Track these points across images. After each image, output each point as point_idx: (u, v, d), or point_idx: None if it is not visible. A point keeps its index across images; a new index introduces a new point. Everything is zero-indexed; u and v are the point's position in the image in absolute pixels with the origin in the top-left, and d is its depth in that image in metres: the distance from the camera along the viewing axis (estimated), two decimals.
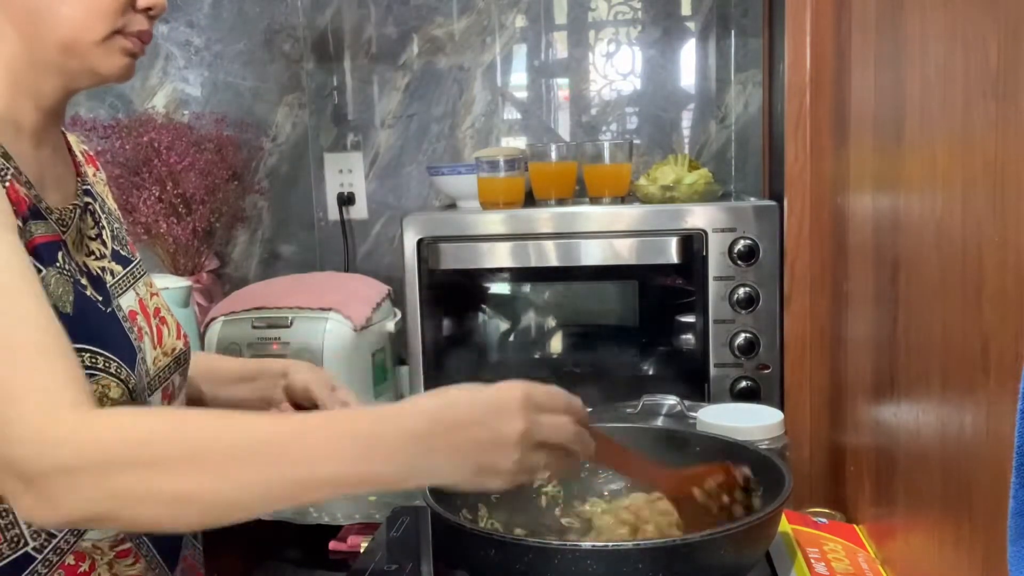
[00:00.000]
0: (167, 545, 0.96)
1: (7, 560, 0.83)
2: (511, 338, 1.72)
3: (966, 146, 0.74)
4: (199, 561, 1.05)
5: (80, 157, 1.02)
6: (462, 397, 0.77)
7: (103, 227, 0.99)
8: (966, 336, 0.74)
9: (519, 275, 1.67)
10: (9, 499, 0.72)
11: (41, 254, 0.84)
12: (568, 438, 0.78)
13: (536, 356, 1.71)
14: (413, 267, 1.62)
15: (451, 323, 1.70)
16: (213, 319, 1.68)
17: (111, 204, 1.05)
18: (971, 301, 0.73)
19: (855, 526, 1.13)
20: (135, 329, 0.94)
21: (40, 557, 0.84)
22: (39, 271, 0.81)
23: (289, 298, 1.67)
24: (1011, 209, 0.65)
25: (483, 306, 1.71)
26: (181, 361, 1.01)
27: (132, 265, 1.00)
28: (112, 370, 0.85)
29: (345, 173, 2.09)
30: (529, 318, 1.72)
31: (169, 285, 1.63)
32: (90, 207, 0.97)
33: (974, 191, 0.72)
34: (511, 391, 0.77)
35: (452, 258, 1.61)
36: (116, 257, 0.98)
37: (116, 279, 0.96)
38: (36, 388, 0.71)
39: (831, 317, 1.32)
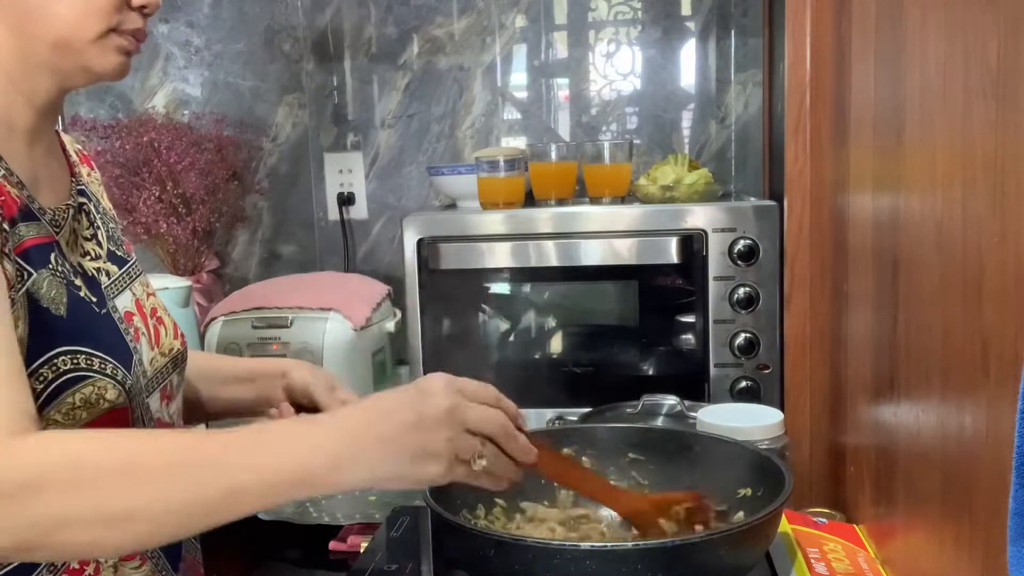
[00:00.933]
0: (171, 547, 0.95)
1: (12, 565, 0.82)
2: (511, 338, 1.72)
3: (966, 146, 0.74)
4: (199, 560, 1.05)
5: (74, 157, 1.01)
6: (389, 392, 0.80)
7: (98, 227, 0.98)
8: (966, 336, 0.74)
9: (519, 275, 1.67)
10: None
11: (32, 256, 0.82)
12: (497, 430, 0.79)
13: (536, 356, 1.71)
14: (413, 267, 1.62)
15: (451, 323, 1.70)
16: (213, 319, 1.68)
17: (106, 204, 1.04)
18: (971, 301, 0.73)
19: (855, 526, 1.13)
20: (131, 330, 0.93)
21: (43, 563, 0.83)
22: (29, 275, 0.81)
23: (289, 298, 1.67)
24: (1011, 209, 0.65)
25: (483, 306, 1.71)
26: (179, 361, 1.01)
27: (128, 265, 1.00)
28: (108, 371, 0.84)
29: (345, 173, 2.09)
30: (529, 318, 1.72)
31: (169, 285, 1.63)
32: (84, 207, 0.96)
33: (974, 191, 0.72)
34: (434, 377, 0.79)
35: (452, 258, 1.61)
36: (112, 257, 0.97)
37: (112, 280, 0.95)
38: None
39: (831, 317, 1.32)
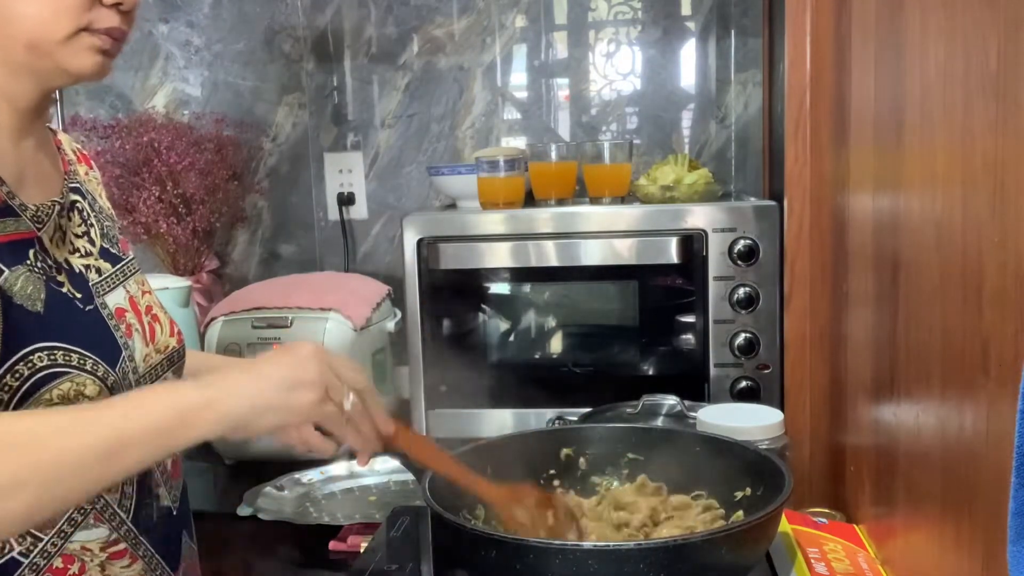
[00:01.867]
0: (168, 545, 0.96)
1: None
2: (511, 338, 1.72)
3: (966, 146, 0.74)
4: (197, 563, 1.05)
5: (71, 156, 1.02)
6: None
7: (91, 225, 0.98)
8: (966, 336, 0.74)
9: (519, 275, 1.67)
10: None
11: (6, 253, 0.83)
12: (364, 386, 0.87)
13: (536, 356, 1.71)
14: (413, 267, 1.62)
15: (451, 323, 1.70)
16: (213, 319, 1.68)
17: (103, 203, 1.05)
18: (971, 301, 0.73)
19: (855, 526, 1.13)
20: (122, 326, 0.93)
21: (27, 561, 0.84)
22: (0, 273, 0.82)
23: (289, 298, 1.67)
24: (1011, 209, 0.65)
25: (483, 306, 1.71)
26: (175, 359, 1.02)
27: (123, 263, 1.00)
28: (88, 367, 0.85)
29: (345, 173, 2.09)
30: (529, 318, 1.72)
31: (169, 285, 1.63)
32: (77, 205, 0.97)
33: (974, 191, 0.72)
34: (299, 342, 0.88)
35: (452, 258, 1.61)
36: (104, 255, 0.98)
37: (103, 277, 0.96)
38: None
39: (831, 317, 1.32)
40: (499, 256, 1.61)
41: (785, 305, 1.43)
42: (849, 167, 1.18)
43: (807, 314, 1.39)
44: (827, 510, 1.19)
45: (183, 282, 1.72)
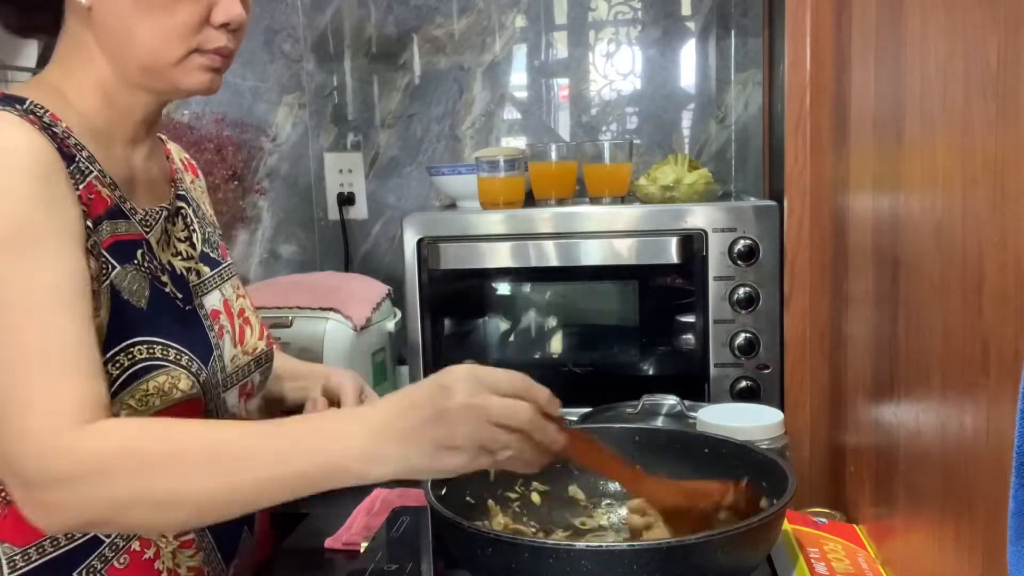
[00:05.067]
0: (228, 539, 1.00)
1: (77, 542, 0.88)
2: (511, 338, 1.72)
3: (966, 146, 0.74)
4: (252, 552, 1.08)
5: (179, 164, 1.09)
6: (414, 387, 0.80)
7: (194, 230, 1.04)
8: (966, 336, 0.74)
9: (519, 275, 1.67)
10: (18, 505, 0.77)
11: (118, 252, 0.88)
12: (523, 424, 0.78)
13: (536, 356, 1.71)
14: (413, 267, 1.62)
15: (451, 323, 1.70)
16: None
17: (206, 210, 1.12)
18: (971, 301, 0.73)
19: (855, 526, 1.13)
20: (216, 327, 0.98)
21: (108, 540, 0.89)
22: (113, 268, 0.86)
23: (289, 298, 1.67)
24: (1011, 209, 0.65)
25: (483, 306, 1.71)
26: (262, 361, 1.06)
27: (221, 267, 1.06)
28: (183, 363, 0.89)
29: (345, 173, 2.09)
30: (529, 318, 1.72)
31: None
32: (182, 211, 1.03)
33: (974, 191, 0.72)
34: (456, 369, 0.79)
35: (452, 258, 1.61)
36: (204, 259, 1.03)
37: (202, 279, 1.01)
38: (46, 404, 0.75)
39: (831, 317, 1.32)
40: (499, 256, 1.61)
41: (785, 305, 1.43)
42: (849, 167, 1.18)
43: (807, 314, 1.39)
44: (827, 510, 1.19)
45: None
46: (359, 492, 1.40)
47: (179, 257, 0.99)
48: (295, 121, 2.10)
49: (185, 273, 0.99)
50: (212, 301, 1.01)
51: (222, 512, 0.79)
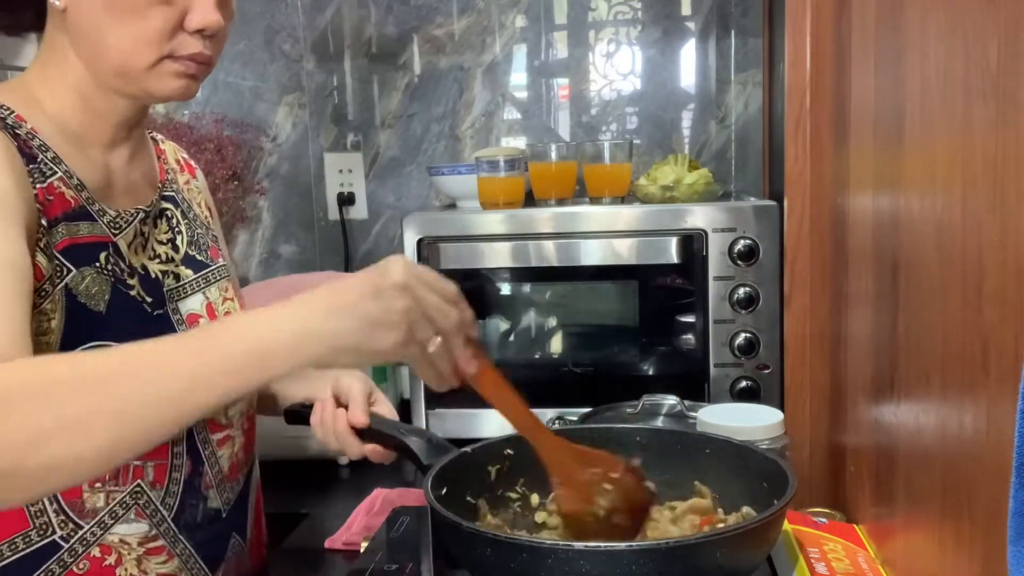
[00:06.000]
0: (211, 545, 0.98)
1: (35, 547, 0.86)
2: (511, 338, 1.72)
3: (966, 146, 0.74)
4: (244, 557, 1.06)
5: (173, 165, 1.08)
6: (349, 275, 0.78)
7: (179, 232, 1.02)
8: (966, 336, 0.74)
9: (519, 275, 1.67)
10: None
11: (75, 254, 0.86)
12: (451, 326, 0.77)
13: (536, 356, 1.71)
14: None
15: None
16: None
17: (200, 211, 1.10)
18: (971, 301, 0.73)
19: (855, 526, 1.13)
20: None
21: (66, 546, 0.87)
22: (68, 271, 0.85)
23: (289, 298, 1.67)
24: (1011, 209, 0.65)
25: (483, 306, 1.71)
26: None
27: (207, 270, 1.04)
28: None
29: (345, 173, 2.09)
30: (529, 318, 1.72)
31: None
32: (167, 212, 1.01)
33: (974, 191, 0.72)
34: (394, 258, 0.78)
35: (452, 258, 1.61)
36: (188, 261, 1.02)
37: (181, 283, 0.99)
38: None
39: (831, 317, 1.32)
40: (499, 256, 1.61)
41: (785, 305, 1.43)
42: (849, 167, 1.18)
43: (807, 314, 1.39)
44: (827, 510, 1.19)
45: None
46: (359, 492, 1.40)
47: (156, 260, 0.98)
48: (295, 121, 2.10)
49: (160, 276, 0.97)
50: (192, 305, 0.99)
51: (150, 424, 0.70)
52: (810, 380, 1.39)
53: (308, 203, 2.13)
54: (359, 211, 2.10)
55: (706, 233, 1.54)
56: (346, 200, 2.08)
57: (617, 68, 1.99)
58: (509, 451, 1.04)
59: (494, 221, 1.62)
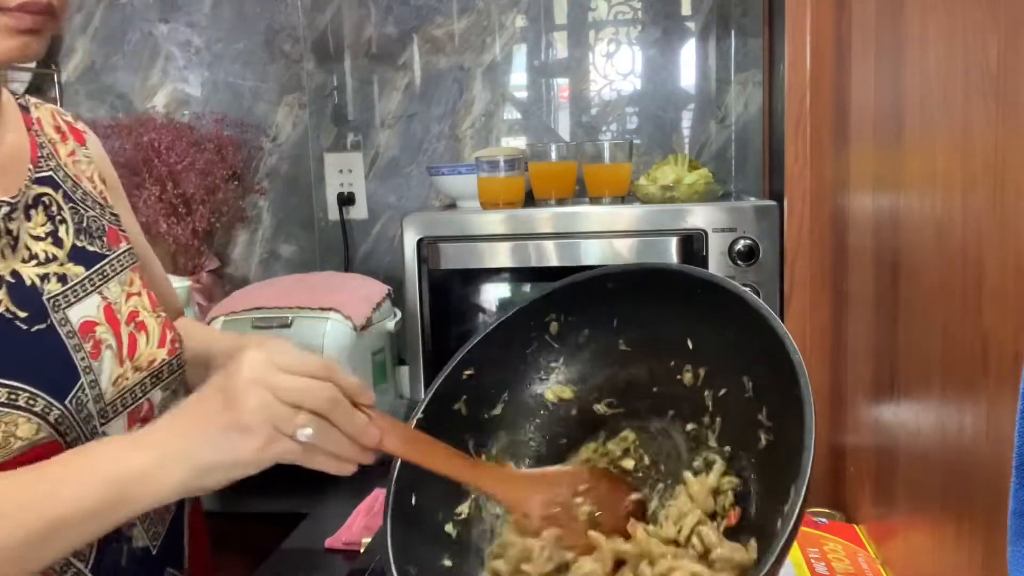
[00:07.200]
0: (107, 554, 0.84)
1: None
2: None
3: (966, 146, 0.74)
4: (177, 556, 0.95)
5: (50, 135, 0.90)
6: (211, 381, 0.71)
7: (62, 220, 0.85)
8: (966, 336, 0.74)
9: (519, 275, 1.67)
10: None
11: None
12: (321, 403, 0.67)
13: None
14: (413, 267, 1.62)
15: (451, 323, 1.70)
16: (213, 319, 1.68)
17: (90, 187, 0.91)
18: (971, 301, 0.73)
19: (855, 526, 1.13)
20: (87, 345, 0.81)
21: None
22: None
23: (289, 298, 1.67)
24: (1011, 209, 0.65)
25: (483, 306, 1.71)
26: (164, 374, 0.89)
27: (103, 262, 0.86)
28: (20, 403, 0.73)
29: (345, 173, 2.09)
30: None
31: None
32: (44, 199, 0.84)
33: (974, 191, 0.72)
34: (244, 353, 0.69)
35: (452, 258, 1.61)
36: (77, 256, 0.84)
37: (68, 286, 0.82)
38: None
39: (831, 317, 1.32)
40: (499, 256, 1.61)
41: (785, 305, 1.43)
42: (849, 167, 1.18)
43: (807, 314, 1.39)
44: (827, 510, 1.19)
45: (183, 282, 1.72)
46: (359, 492, 1.40)
47: (33, 262, 0.80)
48: (295, 121, 2.10)
49: (38, 282, 0.79)
50: (84, 311, 0.82)
51: (15, 570, 0.67)
52: (810, 380, 1.39)
53: (308, 203, 2.13)
54: (359, 211, 2.10)
55: (706, 233, 1.54)
56: (346, 200, 2.08)
57: (617, 68, 1.99)
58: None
59: (494, 221, 1.62)
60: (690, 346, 0.82)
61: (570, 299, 0.88)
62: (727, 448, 0.79)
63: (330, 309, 1.64)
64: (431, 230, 1.62)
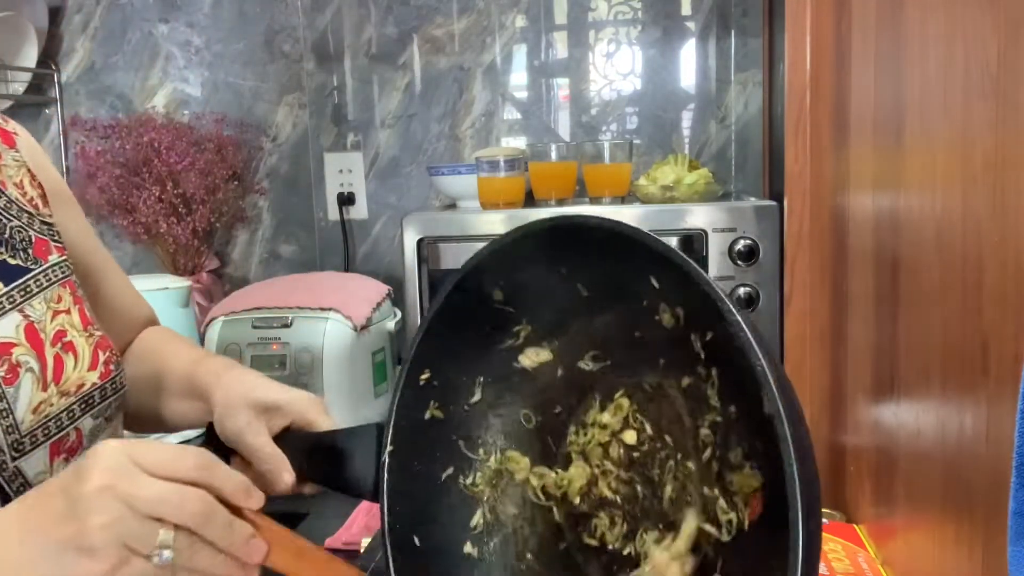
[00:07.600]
0: None
1: None
2: None
3: (966, 146, 0.74)
4: None
5: None
6: (58, 475, 0.60)
7: None
8: (966, 336, 0.74)
9: None
10: None
11: None
12: (190, 515, 0.56)
13: None
14: (413, 267, 1.62)
15: None
16: (213, 319, 1.68)
17: (16, 193, 0.82)
18: (971, 301, 0.73)
19: (855, 526, 1.13)
20: (1, 370, 0.72)
21: None
22: None
23: (289, 298, 1.67)
24: (1011, 209, 0.65)
25: None
26: (94, 400, 0.79)
27: (27, 277, 0.77)
28: None
29: (345, 173, 2.09)
30: None
31: (169, 285, 1.63)
32: None
33: (974, 191, 0.72)
34: (104, 446, 0.57)
35: (452, 258, 1.61)
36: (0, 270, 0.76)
37: None
38: None
39: (831, 317, 1.32)
40: None
41: (785, 305, 1.43)
42: (849, 167, 1.18)
43: (807, 314, 1.39)
44: (827, 510, 1.19)
45: (183, 282, 1.72)
46: None
47: None
48: (295, 121, 2.11)
49: None
50: (2, 331, 0.73)
51: None
52: (810, 380, 1.39)
53: (308, 203, 2.13)
54: (359, 211, 2.10)
55: (706, 233, 1.54)
56: (346, 200, 2.08)
57: (617, 68, 1.99)
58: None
59: (494, 221, 1.62)
60: (655, 284, 0.70)
61: (503, 264, 0.76)
62: (732, 408, 0.68)
63: (330, 309, 1.64)
64: (431, 230, 1.62)
